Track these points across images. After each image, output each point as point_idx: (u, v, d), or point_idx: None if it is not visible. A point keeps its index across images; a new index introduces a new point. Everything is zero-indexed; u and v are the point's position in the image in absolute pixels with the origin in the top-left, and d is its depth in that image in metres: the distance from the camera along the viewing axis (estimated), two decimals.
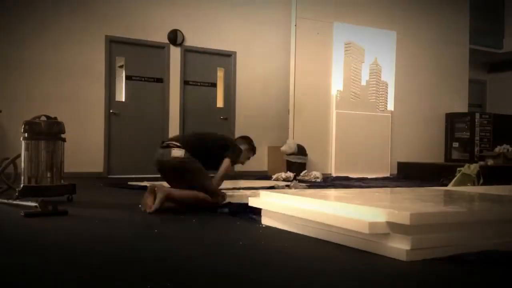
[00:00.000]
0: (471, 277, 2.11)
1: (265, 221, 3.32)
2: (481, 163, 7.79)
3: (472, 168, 5.92)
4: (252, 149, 4.69)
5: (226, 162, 4.23)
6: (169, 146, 4.09)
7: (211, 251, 2.48)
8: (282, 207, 3.16)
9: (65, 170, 4.53)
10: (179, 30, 8.39)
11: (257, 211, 3.44)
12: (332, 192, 4.10)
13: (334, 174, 8.84)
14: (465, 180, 5.81)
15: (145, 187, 5.68)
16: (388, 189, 4.65)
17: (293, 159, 8.35)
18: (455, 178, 5.92)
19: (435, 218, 2.40)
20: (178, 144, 4.09)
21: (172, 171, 4.05)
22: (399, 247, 2.30)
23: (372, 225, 2.35)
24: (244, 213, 3.64)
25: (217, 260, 2.30)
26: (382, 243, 2.38)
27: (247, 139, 4.73)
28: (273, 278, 2.01)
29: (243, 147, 4.56)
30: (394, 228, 2.35)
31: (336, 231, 2.64)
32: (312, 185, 6.61)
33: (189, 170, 3.99)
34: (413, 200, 3.12)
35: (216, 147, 4.27)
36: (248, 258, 2.38)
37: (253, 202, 3.45)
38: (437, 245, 2.33)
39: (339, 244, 2.62)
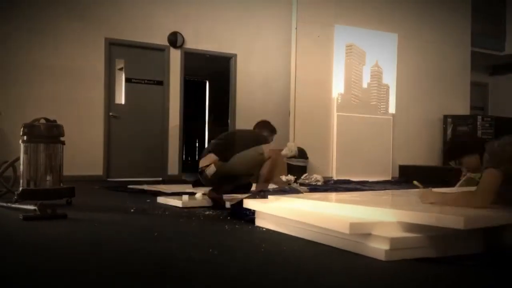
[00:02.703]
0: (445, 278, 2.15)
1: (259, 222, 3.38)
2: None
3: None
4: (272, 131, 5.01)
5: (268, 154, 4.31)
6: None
7: (210, 253, 2.47)
8: (274, 209, 3.22)
9: (64, 173, 4.50)
10: (179, 33, 8.37)
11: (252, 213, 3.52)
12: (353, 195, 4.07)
13: (335, 177, 8.81)
14: (470, 184, 5.78)
15: (144, 190, 5.68)
16: (393, 191, 4.72)
17: (294, 162, 8.32)
18: (459, 182, 5.91)
19: (487, 221, 2.45)
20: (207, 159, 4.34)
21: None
22: (378, 247, 2.39)
23: (352, 225, 2.45)
24: (241, 215, 3.69)
25: (216, 262, 2.29)
26: (364, 243, 2.47)
27: (265, 123, 5.05)
28: (270, 281, 1.99)
29: (265, 132, 4.84)
30: (374, 228, 2.44)
31: (323, 232, 2.73)
32: (313, 188, 6.58)
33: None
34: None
35: (247, 145, 4.39)
36: (247, 260, 2.38)
37: (248, 204, 3.51)
38: (416, 245, 2.41)
39: (324, 245, 2.70)
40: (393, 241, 2.35)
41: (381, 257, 2.35)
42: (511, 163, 2.72)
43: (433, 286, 2.06)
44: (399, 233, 2.44)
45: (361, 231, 2.46)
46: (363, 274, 2.19)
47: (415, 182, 3.37)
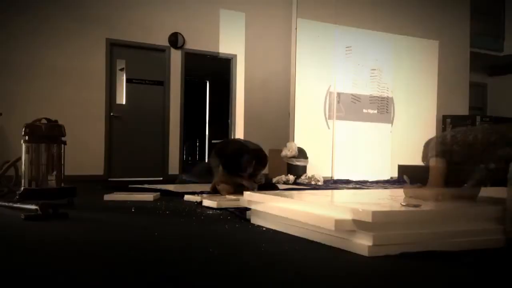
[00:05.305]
0: (427, 273, 2.20)
1: (254, 220, 3.47)
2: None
3: None
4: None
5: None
6: None
7: (210, 253, 2.49)
8: (266, 207, 3.31)
9: (66, 173, 4.52)
10: (180, 33, 8.39)
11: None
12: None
13: (334, 177, 8.82)
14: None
15: (145, 190, 5.71)
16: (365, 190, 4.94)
17: (294, 162, 8.34)
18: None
19: (395, 216, 2.59)
20: None
21: None
22: (362, 243, 2.45)
23: (338, 222, 2.51)
24: (239, 213, 3.80)
25: (216, 262, 2.30)
26: (349, 240, 2.54)
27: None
28: (270, 281, 2.02)
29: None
30: (359, 225, 2.50)
31: (311, 229, 2.80)
32: (313, 188, 6.61)
33: None
34: (385, 199, 3.31)
35: None
36: (247, 260, 2.40)
37: (244, 202, 3.61)
38: (400, 242, 2.48)
39: (312, 241, 2.78)
40: (375, 237, 2.41)
41: (365, 253, 2.41)
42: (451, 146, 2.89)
43: (413, 282, 2.08)
44: (383, 230, 2.48)
45: (346, 228, 2.52)
46: (345, 270, 2.25)
47: (405, 177, 3.51)
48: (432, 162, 2.97)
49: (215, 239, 2.95)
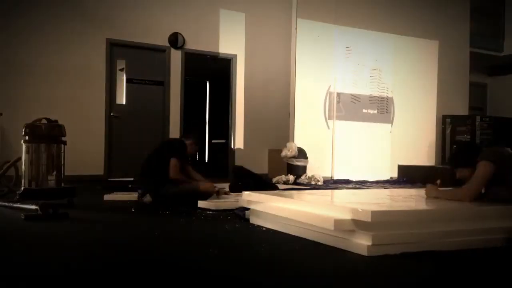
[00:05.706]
0: (424, 273, 2.21)
1: (254, 220, 3.49)
2: None
3: None
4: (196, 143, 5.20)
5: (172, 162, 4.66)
6: None
7: (210, 253, 2.49)
8: (266, 207, 3.33)
9: (66, 173, 4.52)
10: (180, 33, 8.39)
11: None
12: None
13: (334, 177, 8.83)
14: None
15: None
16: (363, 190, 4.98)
17: (294, 162, 8.34)
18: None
19: (394, 216, 2.61)
20: None
21: None
22: (361, 242, 2.47)
23: (337, 222, 2.53)
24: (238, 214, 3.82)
25: (216, 262, 2.31)
26: (348, 239, 2.56)
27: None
28: (270, 280, 2.01)
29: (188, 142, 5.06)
30: (358, 225, 2.51)
31: (311, 229, 2.81)
32: (313, 188, 6.61)
33: None
34: (384, 199, 3.32)
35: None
36: (247, 260, 2.40)
37: (243, 202, 3.64)
38: (399, 241, 2.49)
39: (312, 241, 2.79)
40: (375, 237, 2.42)
41: (364, 252, 2.43)
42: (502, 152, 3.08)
43: (413, 282, 2.09)
44: (383, 229, 2.49)
45: (346, 228, 2.54)
46: (344, 270, 2.26)
47: (437, 182, 3.51)
48: (481, 165, 3.06)
49: (215, 239, 2.96)
